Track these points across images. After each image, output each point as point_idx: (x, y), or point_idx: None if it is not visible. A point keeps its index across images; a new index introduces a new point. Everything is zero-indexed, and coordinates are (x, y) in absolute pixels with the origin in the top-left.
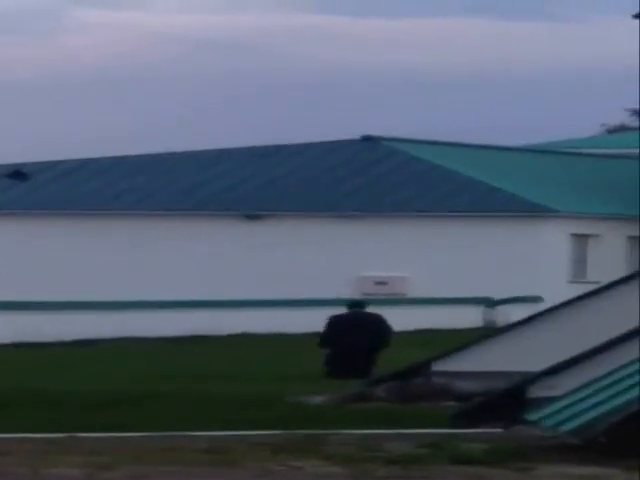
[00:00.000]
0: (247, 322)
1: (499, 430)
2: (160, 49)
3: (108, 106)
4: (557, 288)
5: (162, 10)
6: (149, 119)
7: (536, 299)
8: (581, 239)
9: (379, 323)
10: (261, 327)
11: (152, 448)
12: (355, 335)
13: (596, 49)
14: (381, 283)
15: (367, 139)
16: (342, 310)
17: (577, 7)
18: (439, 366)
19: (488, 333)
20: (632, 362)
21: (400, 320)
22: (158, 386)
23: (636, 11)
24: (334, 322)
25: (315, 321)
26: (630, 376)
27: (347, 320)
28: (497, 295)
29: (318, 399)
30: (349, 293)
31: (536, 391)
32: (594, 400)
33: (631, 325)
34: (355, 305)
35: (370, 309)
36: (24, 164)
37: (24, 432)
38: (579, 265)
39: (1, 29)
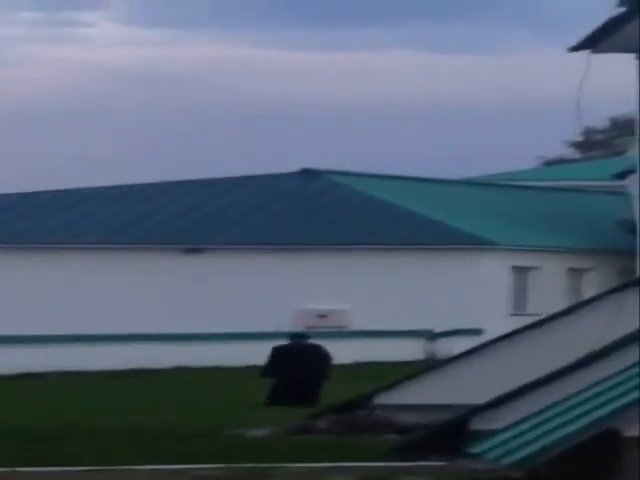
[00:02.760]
0: (186, 356)
1: (442, 463)
2: (99, 83)
3: (43, 139)
4: (497, 320)
5: (102, 44)
6: (85, 153)
7: (477, 331)
8: (521, 271)
9: (321, 354)
10: (200, 361)
11: None
12: (300, 364)
13: (534, 82)
14: (322, 316)
15: (306, 172)
16: (283, 342)
17: (518, 41)
18: (381, 399)
19: (429, 366)
20: (572, 395)
21: (341, 353)
22: (97, 420)
23: (573, 44)
24: (278, 352)
25: (255, 354)
26: (571, 409)
27: (291, 350)
28: (438, 328)
29: (259, 432)
30: (290, 326)
31: (478, 423)
32: (536, 432)
33: (572, 357)
34: (297, 336)
35: (311, 341)
36: None
37: None
38: (519, 297)
39: None
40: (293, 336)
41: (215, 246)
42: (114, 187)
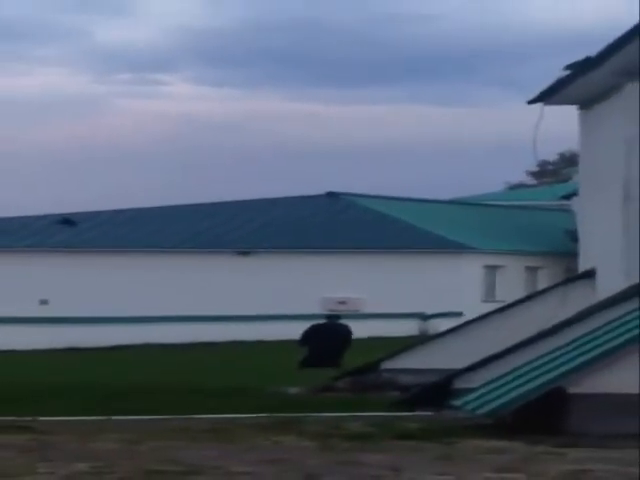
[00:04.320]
0: (239, 332)
1: (431, 413)
2: (174, 127)
3: (133, 168)
4: (473, 306)
5: (178, 99)
6: (163, 179)
7: (458, 314)
8: (491, 269)
9: (345, 331)
10: (249, 336)
11: (168, 428)
12: (329, 338)
13: (502, 126)
14: (341, 302)
15: (330, 194)
16: (312, 322)
17: (489, 96)
18: (386, 365)
19: (422, 340)
20: (530, 361)
21: (356, 330)
22: (171, 381)
23: (530, 98)
24: (312, 328)
25: (291, 331)
26: (529, 372)
27: (323, 327)
28: (429, 311)
29: (294, 389)
30: (317, 309)
31: (459, 383)
32: (503, 390)
33: (529, 333)
34: (331, 317)
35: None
36: (72, 213)
37: (72, 415)
38: (489, 288)
39: (63, 111)
40: (328, 317)
41: (260, 249)
42: (185, 205)
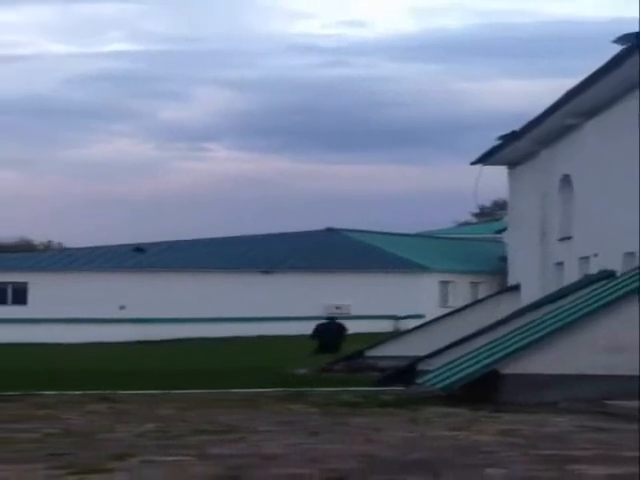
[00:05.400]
0: (263, 328)
1: (402, 388)
2: (217, 184)
3: (185, 212)
4: (432, 310)
5: (219, 161)
6: (207, 219)
7: (421, 316)
8: (444, 284)
9: (341, 327)
10: (272, 331)
11: (210, 399)
12: (330, 332)
13: (451, 182)
14: (337, 307)
15: (329, 229)
16: (322, 320)
17: (440, 159)
18: (370, 352)
19: (395, 335)
20: (474, 350)
21: (349, 327)
22: (213, 365)
23: (473, 160)
24: (320, 326)
25: (303, 328)
26: (473, 357)
27: (326, 325)
28: (400, 314)
29: (302, 370)
30: (321, 313)
31: (422, 366)
32: (454, 370)
33: (473, 330)
34: (331, 318)
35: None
36: (142, 243)
37: (142, 390)
38: (443, 297)
39: (134, 170)
40: (328, 318)
41: (279, 270)
42: (223, 237)
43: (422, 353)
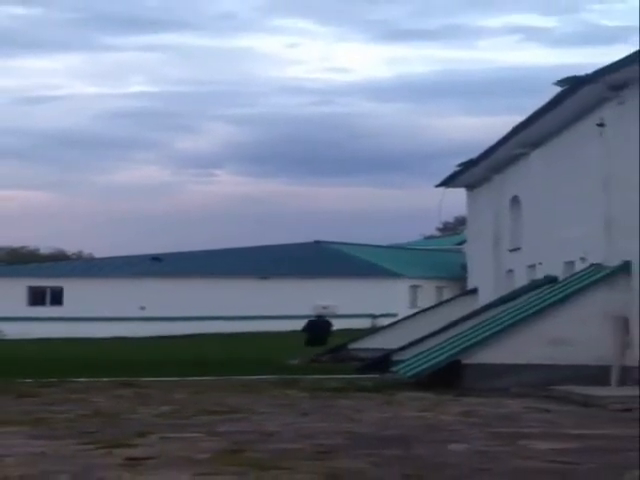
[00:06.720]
0: (262, 326)
1: (378, 375)
2: (223, 204)
3: (196, 227)
4: (404, 309)
5: (224, 184)
6: (213, 233)
7: (394, 314)
8: (414, 288)
9: (328, 324)
10: (269, 328)
11: (218, 384)
12: (319, 328)
13: (420, 202)
14: (325, 307)
15: (317, 242)
16: (312, 318)
17: (410, 182)
18: (352, 345)
19: (373, 330)
20: (439, 343)
21: (334, 324)
22: (221, 355)
23: (437, 183)
24: (310, 322)
25: (295, 325)
26: (438, 349)
27: (315, 322)
28: (377, 312)
29: (294, 361)
30: (311, 312)
31: (395, 357)
32: (422, 360)
33: (438, 326)
34: (319, 316)
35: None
36: (159, 253)
37: (160, 377)
38: (413, 299)
39: (154, 192)
40: (317, 316)
41: (274, 276)
42: (226, 249)
43: (395, 346)
